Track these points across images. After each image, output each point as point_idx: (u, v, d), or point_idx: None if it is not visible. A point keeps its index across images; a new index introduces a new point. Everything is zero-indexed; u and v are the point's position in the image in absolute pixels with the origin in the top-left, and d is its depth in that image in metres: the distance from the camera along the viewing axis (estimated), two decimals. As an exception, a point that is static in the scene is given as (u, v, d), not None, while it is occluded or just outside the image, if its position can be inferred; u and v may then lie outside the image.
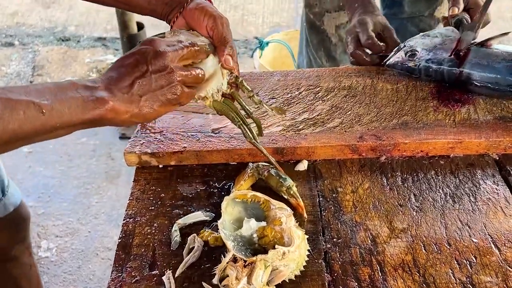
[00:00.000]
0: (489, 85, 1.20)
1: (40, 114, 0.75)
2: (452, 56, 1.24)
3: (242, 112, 0.99)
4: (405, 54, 1.28)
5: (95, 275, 2.20)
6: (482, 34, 1.30)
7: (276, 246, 0.84)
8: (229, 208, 0.94)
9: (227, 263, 0.82)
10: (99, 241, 2.32)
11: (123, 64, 0.85)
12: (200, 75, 0.90)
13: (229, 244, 0.85)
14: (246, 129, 0.97)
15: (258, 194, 0.97)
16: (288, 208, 0.94)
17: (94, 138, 2.88)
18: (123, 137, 2.87)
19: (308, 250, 0.89)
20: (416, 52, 1.27)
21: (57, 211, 2.46)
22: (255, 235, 0.90)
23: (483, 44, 1.25)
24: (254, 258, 0.82)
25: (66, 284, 2.16)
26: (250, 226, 0.90)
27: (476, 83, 1.21)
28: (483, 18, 1.28)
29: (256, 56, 2.65)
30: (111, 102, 0.80)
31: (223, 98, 0.98)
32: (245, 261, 0.83)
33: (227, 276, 0.82)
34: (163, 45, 0.86)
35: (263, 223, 0.91)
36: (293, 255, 0.84)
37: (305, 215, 0.98)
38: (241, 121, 0.97)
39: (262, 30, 4.00)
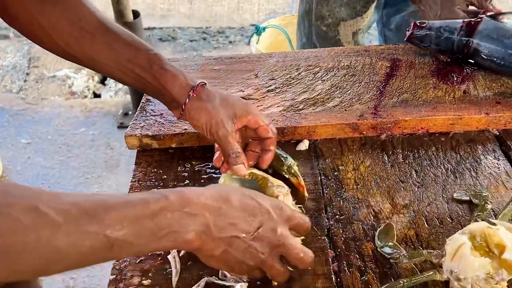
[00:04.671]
0: (495, 59, 1.20)
1: (107, 250, 0.62)
2: (464, 24, 1.23)
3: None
4: (418, 24, 1.27)
5: (97, 263, 2.21)
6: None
7: None
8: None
9: None
10: (101, 230, 2.32)
11: (238, 207, 0.73)
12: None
13: None
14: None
15: (256, 170, 0.97)
16: (286, 186, 0.95)
17: (93, 128, 2.88)
18: (122, 126, 2.87)
19: None
20: (425, 22, 1.27)
21: (58, 201, 2.46)
22: None
23: (495, 16, 1.24)
24: None
25: (68, 272, 2.17)
26: None
27: (482, 55, 1.21)
28: None
29: (253, 42, 2.65)
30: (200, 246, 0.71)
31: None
32: None
33: None
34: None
35: None
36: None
37: (306, 194, 0.98)
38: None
39: (258, 17, 3.99)
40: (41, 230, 0.58)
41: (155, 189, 0.72)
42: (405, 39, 1.30)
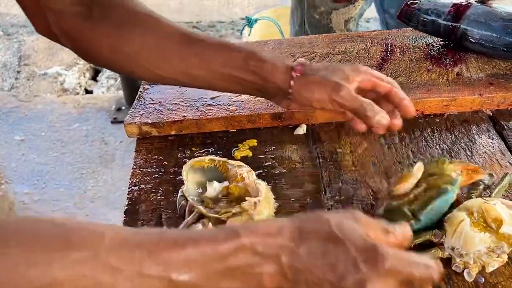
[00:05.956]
0: (484, 42, 1.22)
1: None
2: (452, 9, 1.24)
3: None
4: (408, 3, 1.28)
5: (96, 257, 2.21)
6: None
7: (247, 198, 0.88)
8: (190, 176, 0.95)
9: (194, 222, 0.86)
10: (98, 224, 2.32)
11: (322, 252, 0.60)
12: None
13: (201, 208, 0.87)
14: None
15: (215, 157, 0.99)
16: (246, 165, 0.97)
17: (86, 123, 2.88)
18: (115, 121, 2.87)
19: (274, 198, 0.94)
20: (418, 1, 1.29)
21: (54, 197, 2.47)
22: (220, 196, 0.92)
23: (484, 1, 1.26)
24: (229, 213, 0.86)
25: None
26: (214, 188, 0.92)
27: (471, 39, 1.23)
28: None
29: (245, 34, 2.65)
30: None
31: None
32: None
33: None
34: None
35: (226, 183, 0.93)
36: (264, 203, 0.89)
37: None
38: None
39: (248, 11, 3.99)
40: (101, 277, 0.55)
41: (226, 225, 0.69)
42: (396, 17, 1.32)
